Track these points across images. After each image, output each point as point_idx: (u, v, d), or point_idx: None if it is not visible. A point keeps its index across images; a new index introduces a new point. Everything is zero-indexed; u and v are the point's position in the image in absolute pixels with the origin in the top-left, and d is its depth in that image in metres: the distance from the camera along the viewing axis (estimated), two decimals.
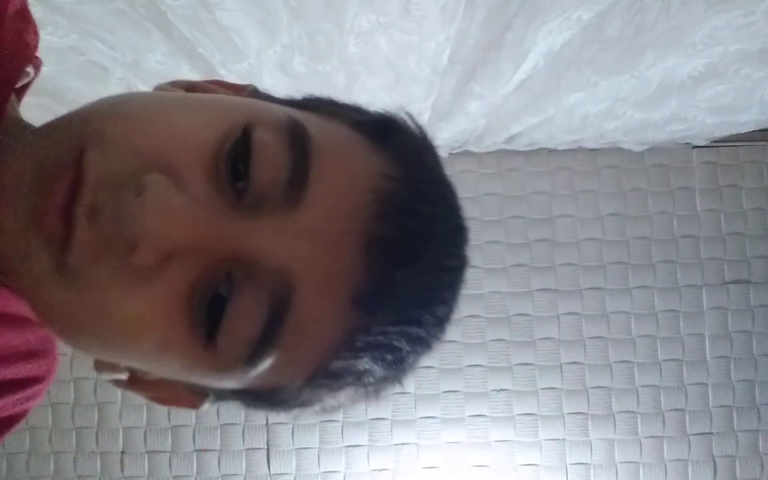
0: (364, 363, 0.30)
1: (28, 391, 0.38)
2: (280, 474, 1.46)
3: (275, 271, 0.27)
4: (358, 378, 0.31)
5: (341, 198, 0.29)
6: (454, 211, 0.34)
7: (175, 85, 0.36)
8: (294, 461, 1.47)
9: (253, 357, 0.28)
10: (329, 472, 1.46)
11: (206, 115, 0.30)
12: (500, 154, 1.54)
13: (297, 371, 0.30)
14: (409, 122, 0.35)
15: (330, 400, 0.34)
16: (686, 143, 1.53)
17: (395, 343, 0.30)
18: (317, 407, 0.34)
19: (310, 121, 0.31)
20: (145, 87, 1.00)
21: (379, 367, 0.31)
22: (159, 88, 0.37)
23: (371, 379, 0.32)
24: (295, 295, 0.27)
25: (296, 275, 0.27)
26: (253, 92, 0.37)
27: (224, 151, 0.28)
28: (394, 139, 0.32)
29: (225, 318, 0.28)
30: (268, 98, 0.36)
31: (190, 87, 0.36)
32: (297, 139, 0.29)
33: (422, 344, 0.32)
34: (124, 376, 0.34)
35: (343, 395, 0.33)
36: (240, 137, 0.28)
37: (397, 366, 0.32)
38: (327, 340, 0.29)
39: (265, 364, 0.29)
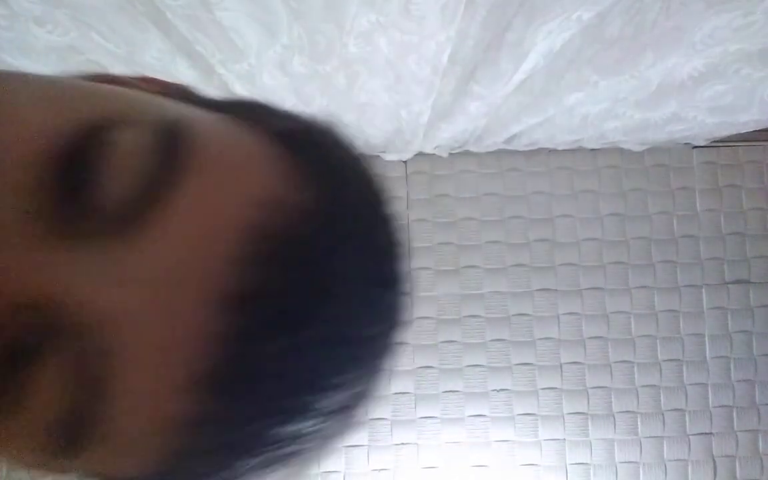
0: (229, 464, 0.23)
1: None
2: None
3: (89, 326, 0.19)
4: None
5: (209, 229, 0.21)
6: (379, 255, 0.26)
7: (97, 79, 0.28)
8: None
9: (54, 448, 0.20)
10: (329, 472, 1.46)
11: (49, 107, 0.22)
12: (500, 154, 1.54)
13: (126, 467, 0.22)
14: (339, 139, 0.28)
15: None
16: (686, 143, 1.53)
17: (261, 441, 0.23)
18: None
19: (206, 121, 0.24)
20: None
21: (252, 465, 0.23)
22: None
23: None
24: (115, 363, 0.20)
25: (119, 335, 0.19)
26: (181, 92, 0.29)
27: (53, 153, 0.20)
28: (311, 157, 0.25)
29: (18, 389, 0.19)
30: (196, 100, 0.28)
31: (109, 81, 0.28)
32: (167, 144, 0.21)
33: (309, 440, 0.24)
34: None
35: None
36: (84, 136, 0.20)
37: (280, 465, 0.24)
38: (159, 424, 0.21)
39: (81, 456, 0.21)
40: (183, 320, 0.20)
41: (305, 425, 0.23)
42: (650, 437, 1.48)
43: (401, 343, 0.29)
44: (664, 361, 1.50)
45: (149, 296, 0.20)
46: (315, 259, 0.22)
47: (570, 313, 1.51)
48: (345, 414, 0.26)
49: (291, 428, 0.23)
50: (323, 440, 0.26)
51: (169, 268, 0.20)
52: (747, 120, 1.25)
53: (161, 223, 0.20)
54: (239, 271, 0.20)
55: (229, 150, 0.23)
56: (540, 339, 1.51)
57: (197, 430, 0.21)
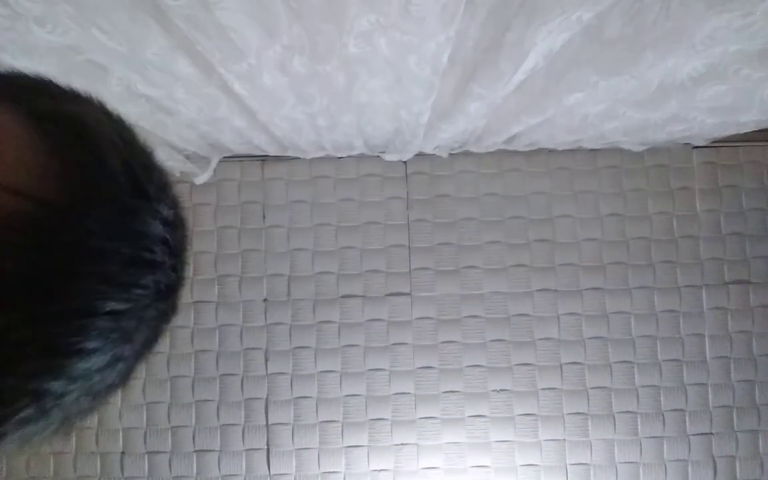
0: None
1: None
2: (280, 475, 1.46)
3: None
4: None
5: None
6: (137, 243, 0.28)
7: None
8: (294, 462, 1.47)
9: None
10: (329, 472, 1.46)
11: None
12: (500, 154, 1.54)
13: None
14: (112, 129, 0.29)
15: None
16: (686, 143, 1.53)
17: (8, 395, 0.25)
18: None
19: None
20: (145, 84, 1.00)
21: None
22: None
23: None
24: None
25: None
26: None
27: None
28: (70, 145, 0.26)
29: None
30: None
31: None
32: None
33: (57, 400, 0.27)
34: None
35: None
36: None
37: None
38: None
39: None
40: None
41: (53, 385, 0.25)
42: (650, 437, 1.48)
43: (170, 317, 0.31)
44: (664, 361, 1.50)
45: None
46: (57, 242, 0.24)
47: (570, 314, 1.51)
48: (93, 377, 0.27)
49: (35, 387, 0.25)
50: (73, 400, 0.27)
51: None
52: (747, 120, 1.25)
53: None
54: None
55: None
56: (540, 339, 1.51)
57: None
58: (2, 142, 0.24)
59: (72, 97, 0.29)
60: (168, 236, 0.30)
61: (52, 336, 0.24)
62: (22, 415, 0.25)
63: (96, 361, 0.27)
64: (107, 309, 0.26)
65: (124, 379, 0.30)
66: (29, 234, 0.23)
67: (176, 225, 0.31)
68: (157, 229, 0.29)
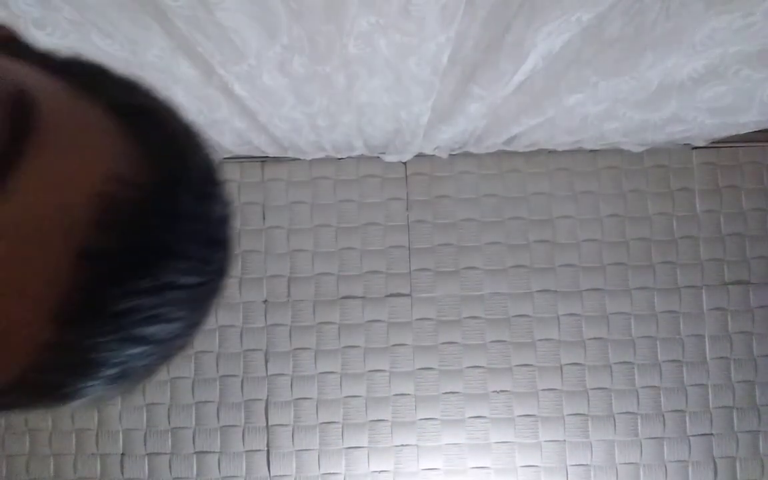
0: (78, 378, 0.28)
1: None
2: (280, 476, 1.46)
3: None
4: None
5: (59, 193, 0.24)
6: (210, 221, 0.31)
7: None
8: (294, 463, 1.47)
9: None
10: (329, 473, 1.46)
11: None
12: (500, 155, 1.54)
13: None
14: (176, 118, 0.31)
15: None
16: (686, 144, 1.53)
17: (103, 357, 0.27)
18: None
19: (53, 90, 0.27)
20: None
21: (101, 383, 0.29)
22: None
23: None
24: None
25: None
26: (9, 37, 0.31)
27: None
28: (151, 134, 0.29)
29: None
30: (31, 55, 0.30)
31: None
32: (18, 110, 0.24)
33: (142, 360, 0.30)
34: None
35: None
36: None
37: (117, 382, 0.29)
38: (24, 347, 0.26)
39: None
40: (44, 261, 0.24)
41: (136, 350, 0.28)
42: (650, 438, 1.48)
43: (225, 290, 0.34)
44: (664, 362, 1.50)
45: (10, 242, 0.23)
46: (152, 225, 0.27)
47: (570, 315, 1.51)
48: (172, 342, 0.31)
49: (125, 353, 0.28)
50: (153, 362, 0.31)
51: (30, 220, 0.23)
52: (747, 121, 1.25)
53: (21, 185, 0.23)
54: (92, 230, 0.25)
55: (76, 122, 0.26)
56: (540, 340, 1.51)
57: (48, 352, 0.26)
58: (101, 135, 0.27)
59: (135, 86, 0.31)
60: (228, 217, 0.33)
61: (145, 308, 0.27)
62: (106, 375, 0.28)
63: (174, 329, 0.30)
64: (189, 283, 0.29)
65: (187, 345, 0.34)
66: (131, 218, 0.26)
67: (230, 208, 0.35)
68: (223, 211, 0.32)
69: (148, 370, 0.31)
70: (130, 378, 0.30)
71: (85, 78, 0.29)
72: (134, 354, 0.28)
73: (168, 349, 0.31)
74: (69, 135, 0.25)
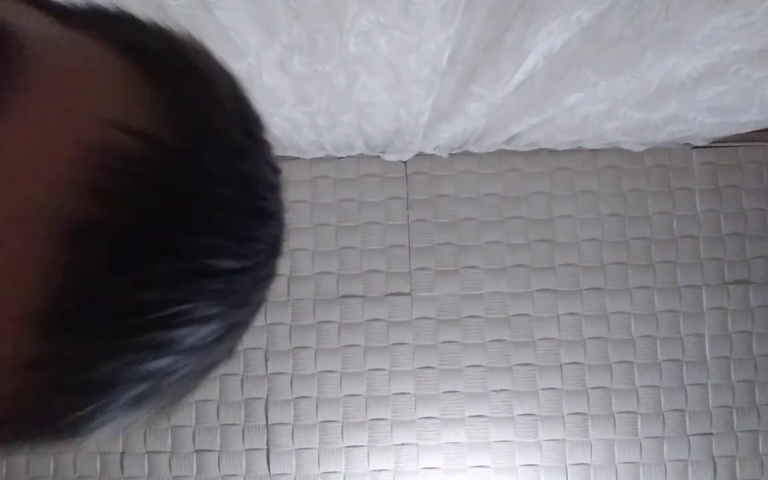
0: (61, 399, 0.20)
1: None
2: (280, 475, 1.46)
3: None
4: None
5: (45, 149, 0.18)
6: (248, 186, 0.23)
7: None
8: (294, 462, 1.47)
9: None
10: (329, 472, 1.46)
11: None
12: (500, 154, 1.54)
13: None
14: (207, 58, 0.24)
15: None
16: (686, 143, 1.53)
17: (110, 382, 0.20)
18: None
19: (44, 29, 0.21)
20: None
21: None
22: None
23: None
24: None
25: None
26: None
27: None
28: (176, 78, 0.22)
29: None
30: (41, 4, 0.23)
31: None
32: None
33: (168, 378, 0.22)
34: None
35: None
36: None
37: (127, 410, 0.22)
38: (2, 364, 0.19)
39: None
40: (22, 242, 0.17)
41: (160, 363, 0.21)
42: (650, 438, 1.48)
43: (276, 276, 0.26)
44: (664, 361, 1.50)
45: None
46: (172, 187, 0.20)
47: (570, 314, 1.51)
48: (209, 348, 0.23)
49: (144, 367, 0.21)
50: (187, 377, 0.23)
51: (3, 188, 0.17)
52: (747, 120, 1.25)
53: None
54: (89, 198, 0.18)
55: (70, 62, 0.20)
56: (540, 339, 1.51)
57: (37, 370, 0.19)
58: (108, 77, 0.21)
59: (162, 29, 0.25)
60: (276, 184, 0.26)
61: (165, 303, 0.20)
62: (122, 398, 0.21)
63: (208, 332, 0.22)
64: (223, 267, 0.22)
65: (234, 349, 0.26)
66: (143, 179, 0.19)
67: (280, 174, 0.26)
68: (268, 174, 0.25)
69: (181, 388, 0.24)
70: (155, 399, 0.23)
71: (103, 21, 0.23)
72: (157, 368, 0.21)
73: (203, 358, 0.24)
74: (60, 78, 0.19)
